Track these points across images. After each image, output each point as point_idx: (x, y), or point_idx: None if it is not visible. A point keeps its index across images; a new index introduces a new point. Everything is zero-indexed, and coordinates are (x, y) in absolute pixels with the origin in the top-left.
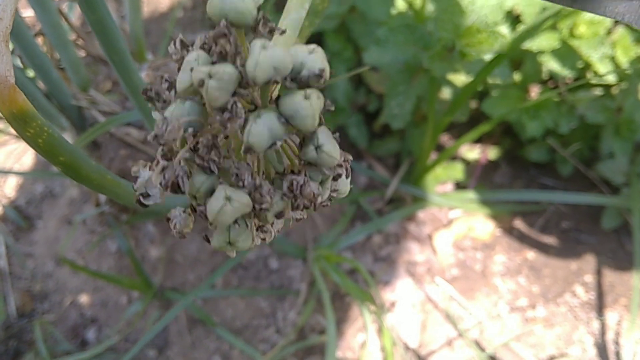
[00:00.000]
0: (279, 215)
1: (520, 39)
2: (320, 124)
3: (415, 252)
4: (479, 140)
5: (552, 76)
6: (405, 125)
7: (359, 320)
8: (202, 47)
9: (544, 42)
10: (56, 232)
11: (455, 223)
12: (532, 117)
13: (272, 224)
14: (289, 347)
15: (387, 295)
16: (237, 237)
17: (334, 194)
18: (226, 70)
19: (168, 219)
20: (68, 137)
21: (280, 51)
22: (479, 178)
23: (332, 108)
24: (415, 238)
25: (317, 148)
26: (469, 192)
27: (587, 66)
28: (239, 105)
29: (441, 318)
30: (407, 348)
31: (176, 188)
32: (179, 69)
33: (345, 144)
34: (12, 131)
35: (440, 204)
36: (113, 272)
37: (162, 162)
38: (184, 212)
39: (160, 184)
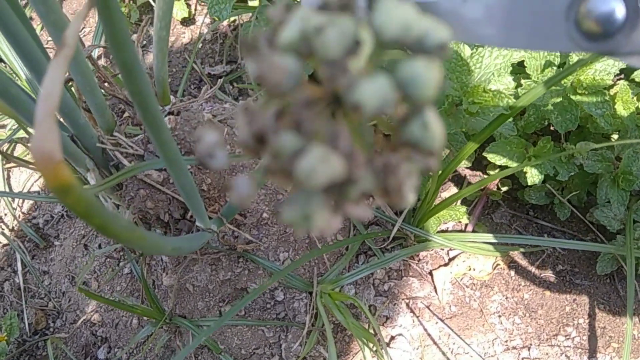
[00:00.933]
0: (364, 195)
1: (524, 99)
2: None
3: (416, 288)
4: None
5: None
6: None
7: (359, 353)
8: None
9: (547, 97)
10: (72, 252)
11: (455, 262)
12: (533, 165)
13: (340, 208)
14: None
15: (387, 329)
16: (315, 210)
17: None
18: (347, 20)
19: (226, 187)
20: (92, 177)
21: (413, 9)
22: (479, 216)
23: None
24: (416, 274)
25: (423, 125)
26: (469, 234)
27: (588, 117)
28: (347, 62)
29: (439, 354)
30: None
31: (259, 142)
32: (277, 27)
33: None
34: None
35: (441, 245)
36: (125, 293)
37: (247, 116)
38: (249, 178)
39: (245, 133)
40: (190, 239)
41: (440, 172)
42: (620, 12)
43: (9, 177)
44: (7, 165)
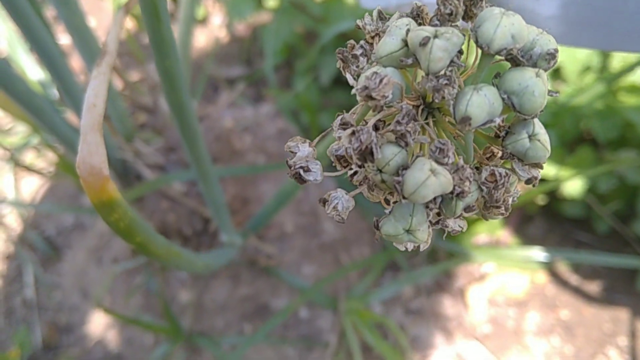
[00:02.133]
0: (467, 209)
1: (568, 109)
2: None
3: (447, 306)
4: None
5: (593, 135)
6: None
7: None
8: (410, 16)
9: (587, 104)
10: (84, 265)
11: (489, 278)
12: (571, 176)
13: (454, 218)
14: None
15: (416, 350)
16: (419, 224)
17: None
18: (454, 31)
19: (325, 201)
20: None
21: (521, 20)
22: (514, 230)
23: (556, 94)
24: (447, 291)
25: (531, 137)
26: (503, 249)
27: (629, 126)
28: (456, 72)
29: None
30: None
31: (367, 155)
32: (369, 42)
33: None
34: (40, 164)
35: (475, 260)
36: (141, 310)
37: (349, 130)
38: (347, 194)
39: (351, 147)
40: (218, 254)
41: None
42: None
43: (19, 187)
44: (18, 176)
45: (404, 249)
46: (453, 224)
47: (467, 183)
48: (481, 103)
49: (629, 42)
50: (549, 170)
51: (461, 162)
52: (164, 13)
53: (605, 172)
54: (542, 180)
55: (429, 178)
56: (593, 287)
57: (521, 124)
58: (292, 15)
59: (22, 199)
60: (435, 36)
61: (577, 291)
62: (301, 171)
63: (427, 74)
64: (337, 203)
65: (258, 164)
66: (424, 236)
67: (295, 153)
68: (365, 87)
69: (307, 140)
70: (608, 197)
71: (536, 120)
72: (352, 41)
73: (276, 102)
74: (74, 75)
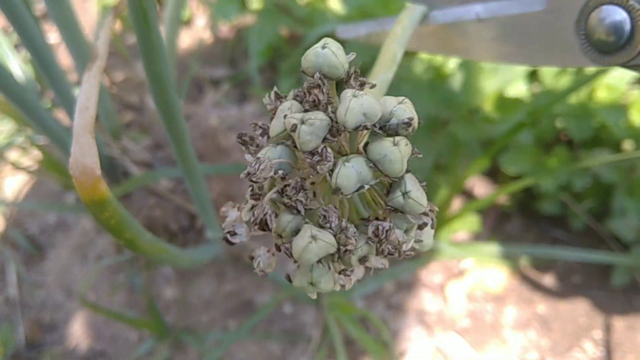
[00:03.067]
0: (362, 260)
1: (543, 108)
2: (407, 171)
3: (427, 301)
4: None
5: (568, 135)
6: (424, 178)
7: None
8: (295, 98)
9: (563, 105)
10: (68, 263)
11: (467, 274)
12: (547, 174)
13: (352, 270)
14: None
15: (398, 343)
16: (319, 277)
17: (417, 245)
18: (318, 116)
19: (252, 258)
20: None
21: (370, 99)
22: (491, 227)
23: (420, 156)
24: (427, 287)
25: (404, 194)
26: (481, 245)
27: (603, 126)
28: (329, 149)
29: None
30: None
31: (264, 226)
32: (271, 118)
33: None
34: (24, 162)
35: (454, 256)
36: (125, 306)
37: (251, 201)
38: (268, 251)
39: (249, 221)
40: (203, 250)
41: (453, 182)
42: (626, 22)
43: (0, 183)
44: None
45: (314, 297)
46: (354, 275)
47: (352, 241)
48: (348, 174)
49: (567, 57)
50: (526, 168)
51: (344, 223)
52: (153, 19)
53: (580, 170)
54: (518, 178)
55: (309, 244)
56: (569, 282)
57: (395, 183)
58: (276, 17)
59: (5, 197)
60: (302, 122)
61: (553, 286)
62: (228, 235)
63: (303, 153)
64: (259, 261)
65: (243, 161)
66: (328, 285)
67: (226, 218)
68: (248, 173)
69: (237, 205)
70: (583, 195)
71: (409, 180)
72: (254, 122)
73: (260, 102)
74: (63, 73)
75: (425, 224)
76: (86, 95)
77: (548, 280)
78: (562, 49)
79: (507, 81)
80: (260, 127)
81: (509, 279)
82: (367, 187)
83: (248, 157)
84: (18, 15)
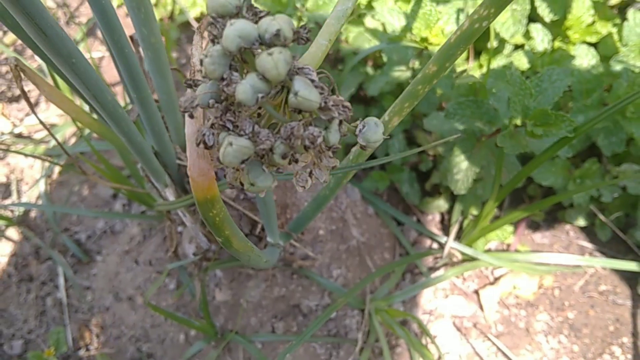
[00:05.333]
0: (284, 156)
1: (587, 125)
2: (295, 74)
3: (463, 307)
4: (522, 202)
5: (597, 147)
6: (466, 190)
7: None
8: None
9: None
10: (116, 268)
11: (501, 281)
12: (578, 186)
13: (290, 165)
14: None
15: (436, 347)
16: (255, 178)
17: (333, 138)
18: (215, 49)
19: (224, 175)
20: (170, 193)
21: (244, 23)
22: (520, 237)
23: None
24: (463, 293)
25: (295, 94)
26: (513, 254)
27: (631, 140)
28: (234, 73)
29: None
30: None
31: (206, 145)
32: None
33: (396, 198)
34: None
35: (490, 264)
36: (171, 309)
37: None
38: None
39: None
40: (271, 252)
41: (496, 195)
42: None
43: (50, 191)
44: (49, 180)
45: (263, 195)
46: (319, 175)
47: (265, 141)
48: (245, 89)
49: None
50: (557, 181)
51: (257, 129)
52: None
53: (610, 183)
54: (551, 189)
55: (227, 148)
56: (597, 290)
57: (285, 87)
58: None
59: (54, 203)
60: (205, 56)
61: (583, 294)
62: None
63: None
64: (227, 174)
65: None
66: (267, 183)
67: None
68: (180, 106)
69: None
70: (610, 206)
71: (297, 81)
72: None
73: None
74: (146, 86)
75: (332, 118)
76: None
77: (577, 287)
78: None
79: (549, 97)
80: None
81: (540, 286)
82: (260, 96)
83: (189, 91)
84: (118, 37)
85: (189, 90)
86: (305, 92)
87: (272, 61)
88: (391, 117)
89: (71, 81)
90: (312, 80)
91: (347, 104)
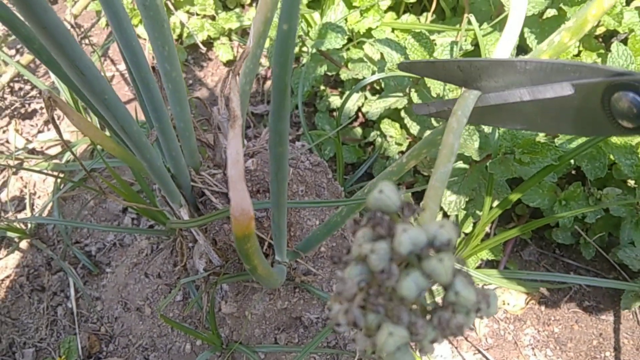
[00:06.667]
0: (432, 342)
1: (571, 154)
2: (457, 274)
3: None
4: (510, 220)
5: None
6: (459, 210)
7: None
8: (367, 224)
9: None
10: (125, 279)
11: None
12: (563, 207)
13: (426, 350)
14: None
15: (429, 359)
16: (401, 358)
17: (484, 314)
18: (382, 246)
19: (354, 340)
20: (185, 213)
21: (416, 231)
22: (509, 255)
23: (465, 269)
24: None
25: (456, 294)
26: (502, 271)
27: (613, 165)
28: (394, 267)
29: None
30: None
31: (355, 325)
32: (352, 240)
33: None
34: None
35: (481, 280)
36: (178, 320)
37: (345, 305)
38: (365, 336)
39: (345, 321)
40: (279, 271)
41: (487, 216)
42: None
43: (62, 205)
44: (59, 195)
45: None
46: (431, 349)
47: (421, 331)
48: (409, 285)
49: (596, 129)
50: (544, 202)
51: (414, 318)
52: (288, 87)
53: (593, 204)
54: (538, 209)
55: (387, 339)
56: (582, 306)
57: (447, 287)
58: (318, 61)
59: (66, 217)
60: (372, 251)
61: (568, 310)
62: (335, 326)
63: (375, 273)
64: (359, 344)
65: (299, 193)
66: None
67: (332, 310)
68: (338, 293)
69: (339, 301)
70: (594, 227)
71: (459, 282)
72: (346, 248)
73: (307, 138)
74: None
75: (479, 311)
76: (235, 150)
77: (563, 303)
78: (593, 123)
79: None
80: (346, 249)
81: (528, 303)
82: (424, 293)
83: (339, 273)
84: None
85: (339, 272)
86: (466, 293)
87: (444, 268)
88: (408, 160)
89: (102, 114)
90: (470, 280)
91: (490, 293)
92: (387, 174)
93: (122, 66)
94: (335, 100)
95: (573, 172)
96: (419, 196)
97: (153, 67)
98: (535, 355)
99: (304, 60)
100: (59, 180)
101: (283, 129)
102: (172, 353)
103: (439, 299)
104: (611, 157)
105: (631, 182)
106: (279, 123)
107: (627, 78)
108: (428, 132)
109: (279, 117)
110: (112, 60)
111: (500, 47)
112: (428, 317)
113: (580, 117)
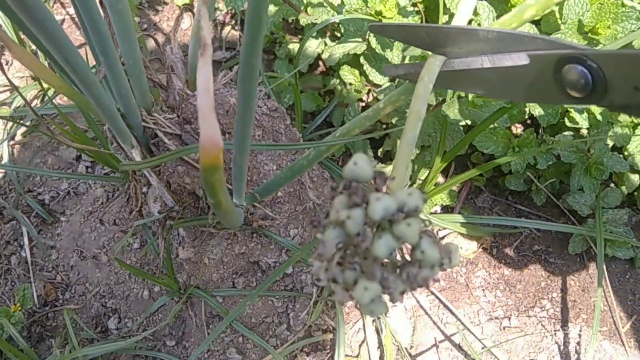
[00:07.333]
0: (402, 293)
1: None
2: (422, 235)
3: None
4: (466, 167)
5: (535, 119)
6: (414, 156)
7: (358, 322)
8: (343, 191)
9: None
10: (80, 228)
11: (444, 241)
12: (516, 154)
13: (397, 300)
14: (298, 342)
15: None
16: (374, 308)
17: (447, 266)
18: (357, 213)
19: (333, 292)
20: (137, 154)
21: (388, 200)
22: (464, 200)
23: (430, 237)
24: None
25: (422, 252)
26: (457, 215)
27: (566, 112)
28: (368, 231)
29: (430, 323)
30: (399, 348)
31: (335, 281)
32: (329, 204)
33: None
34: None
35: (435, 225)
36: (136, 267)
37: (324, 264)
38: (345, 290)
39: (325, 278)
40: (237, 213)
41: (439, 160)
42: (588, 76)
43: (13, 154)
44: (12, 142)
45: (373, 317)
46: (400, 298)
47: (392, 285)
48: (381, 246)
49: (546, 98)
50: (497, 148)
51: (386, 274)
52: (264, 22)
53: (545, 151)
54: (492, 157)
55: (364, 293)
56: (531, 250)
57: (415, 247)
58: (277, 6)
59: (17, 165)
60: (348, 217)
61: (518, 254)
62: (315, 281)
63: (351, 235)
64: (338, 294)
65: (256, 137)
66: (382, 311)
67: (313, 266)
68: (319, 254)
69: (319, 258)
70: (546, 173)
71: (424, 242)
72: (323, 210)
73: (263, 84)
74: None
75: (442, 265)
76: (205, 79)
77: (514, 247)
78: (545, 92)
79: None
80: (324, 213)
81: (480, 247)
82: (394, 252)
83: (319, 235)
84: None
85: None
86: (431, 252)
87: (411, 231)
88: (385, 106)
89: (43, 44)
90: (435, 240)
91: (452, 248)
92: (361, 118)
93: (72, 10)
94: (294, 47)
95: (528, 121)
96: (378, 144)
97: (101, 2)
98: (485, 296)
99: None
100: (8, 126)
101: (254, 62)
102: (130, 300)
103: (407, 257)
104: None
105: (583, 131)
106: (251, 56)
107: (576, 52)
108: (387, 81)
109: (252, 50)
110: (61, 3)
111: (460, 12)
112: (398, 272)
113: (533, 86)
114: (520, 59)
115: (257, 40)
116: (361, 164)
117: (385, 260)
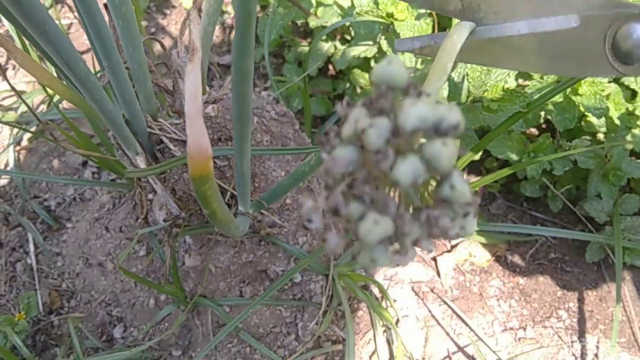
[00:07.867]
0: (415, 242)
1: (539, 100)
2: (454, 167)
3: (421, 273)
4: (479, 173)
5: (551, 123)
6: None
7: (368, 333)
8: (363, 106)
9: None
10: (86, 234)
11: (458, 249)
12: (532, 159)
13: (407, 251)
14: (307, 353)
15: (395, 310)
16: (379, 256)
17: (461, 231)
18: (383, 121)
19: (324, 240)
20: (141, 161)
21: (425, 106)
22: (478, 207)
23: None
24: (421, 260)
25: (452, 187)
26: None
27: (583, 116)
28: (390, 149)
29: (443, 333)
30: (411, 359)
31: (336, 212)
32: (343, 122)
33: None
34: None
35: None
36: (141, 275)
37: (326, 192)
38: (337, 234)
39: (325, 208)
40: (242, 221)
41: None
42: None
43: (19, 159)
44: (18, 148)
45: (372, 272)
46: (426, 245)
47: (407, 225)
48: (405, 169)
49: (596, 69)
50: (513, 154)
51: (401, 210)
52: (254, 19)
53: (562, 157)
54: (506, 162)
55: (372, 227)
56: (547, 258)
57: (444, 178)
58: (286, 8)
59: (24, 170)
60: (371, 126)
61: (534, 262)
62: (306, 222)
63: (369, 152)
64: (331, 242)
65: (264, 143)
66: (385, 262)
67: (303, 206)
68: (326, 170)
69: (312, 196)
70: (562, 179)
71: (455, 174)
72: (330, 127)
73: (274, 88)
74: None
75: (468, 213)
76: (193, 84)
77: (529, 255)
78: (593, 61)
79: (505, 74)
80: (334, 131)
81: (494, 255)
82: (420, 180)
83: (324, 155)
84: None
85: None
86: (463, 187)
87: (447, 152)
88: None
89: (44, 49)
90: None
91: (478, 200)
92: None
93: None
94: (304, 51)
95: (543, 125)
96: None
97: (106, 6)
98: (500, 305)
99: (271, 6)
100: (14, 131)
101: (246, 65)
102: (136, 308)
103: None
104: (581, 108)
105: (600, 136)
106: (243, 59)
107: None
108: None
109: (243, 52)
110: (69, 7)
111: None
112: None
113: (580, 54)
114: (568, 20)
115: (247, 40)
116: (397, 65)
117: (401, 198)
